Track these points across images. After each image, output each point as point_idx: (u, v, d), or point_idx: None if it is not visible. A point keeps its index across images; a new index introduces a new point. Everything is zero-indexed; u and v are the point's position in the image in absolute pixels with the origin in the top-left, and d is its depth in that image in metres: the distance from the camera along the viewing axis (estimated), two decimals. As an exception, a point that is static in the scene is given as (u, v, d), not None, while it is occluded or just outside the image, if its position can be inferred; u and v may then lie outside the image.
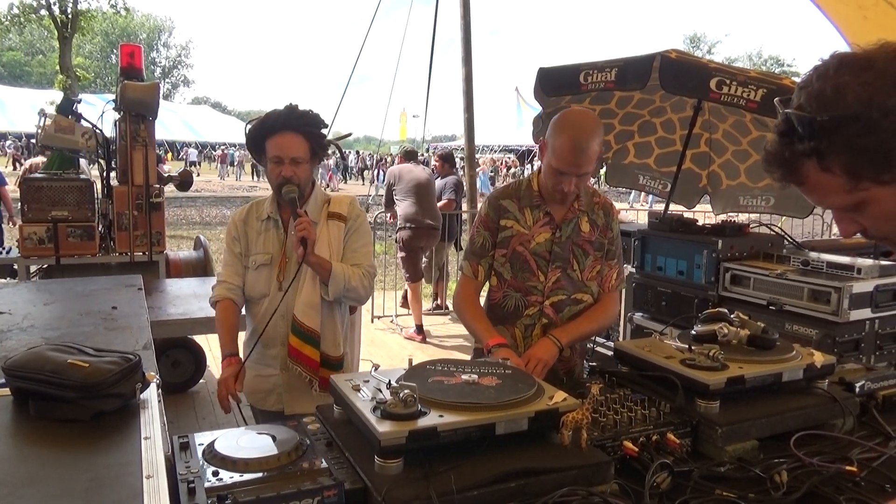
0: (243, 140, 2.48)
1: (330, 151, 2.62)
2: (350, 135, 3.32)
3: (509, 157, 33.84)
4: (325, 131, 2.44)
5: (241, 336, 2.54)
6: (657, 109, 4.22)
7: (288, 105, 2.36)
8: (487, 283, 2.35)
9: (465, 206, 7.79)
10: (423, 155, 12.59)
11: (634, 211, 10.38)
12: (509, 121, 31.01)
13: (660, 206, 4.96)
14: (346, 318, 2.50)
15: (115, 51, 49.45)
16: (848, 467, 1.49)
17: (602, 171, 5.41)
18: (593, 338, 2.65)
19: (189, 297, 4.45)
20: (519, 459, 1.34)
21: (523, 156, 33.07)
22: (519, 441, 1.39)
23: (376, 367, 1.62)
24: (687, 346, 1.85)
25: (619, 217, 2.44)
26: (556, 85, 3.79)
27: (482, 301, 2.39)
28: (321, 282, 2.32)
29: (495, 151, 34.19)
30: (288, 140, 2.30)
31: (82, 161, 5.65)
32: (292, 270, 2.35)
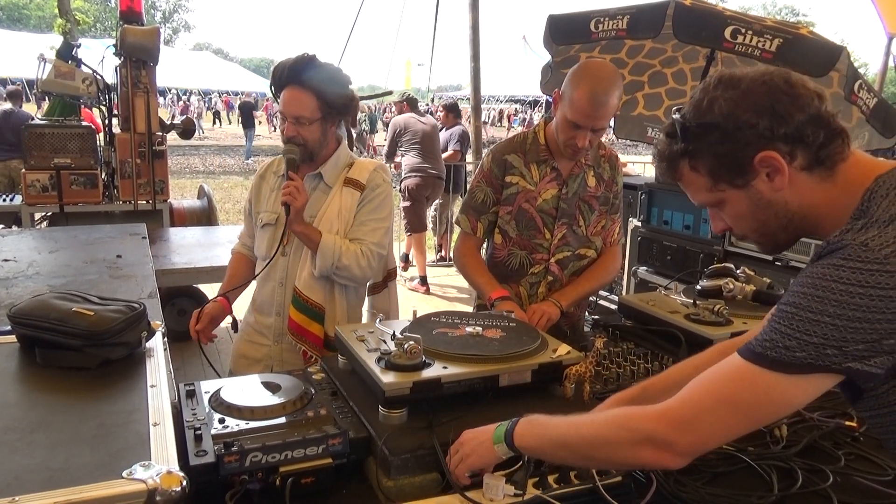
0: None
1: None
2: (391, 92, 3.12)
3: (514, 108, 33.33)
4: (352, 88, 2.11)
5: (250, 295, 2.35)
6: (669, 59, 4.12)
7: (300, 55, 2.04)
8: (490, 240, 2.30)
9: (470, 157, 7.71)
10: (427, 104, 12.37)
11: (642, 164, 10.24)
12: (516, 70, 30.38)
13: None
14: (357, 296, 2.23)
15: (114, -6, 48.30)
16: (847, 422, 1.51)
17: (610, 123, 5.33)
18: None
19: (193, 246, 4.46)
20: (522, 411, 1.35)
21: (530, 106, 32.55)
22: (522, 393, 1.41)
23: (381, 317, 1.62)
24: (692, 301, 1.84)
25: (626, 170, 2.40)
26: (565, 33, 3.69)
27: (484, 258, 2.36)
28: (311, 254, 2.06)
29: (501, 101, 33.65)
30: (294, 96, 2.03)
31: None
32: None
